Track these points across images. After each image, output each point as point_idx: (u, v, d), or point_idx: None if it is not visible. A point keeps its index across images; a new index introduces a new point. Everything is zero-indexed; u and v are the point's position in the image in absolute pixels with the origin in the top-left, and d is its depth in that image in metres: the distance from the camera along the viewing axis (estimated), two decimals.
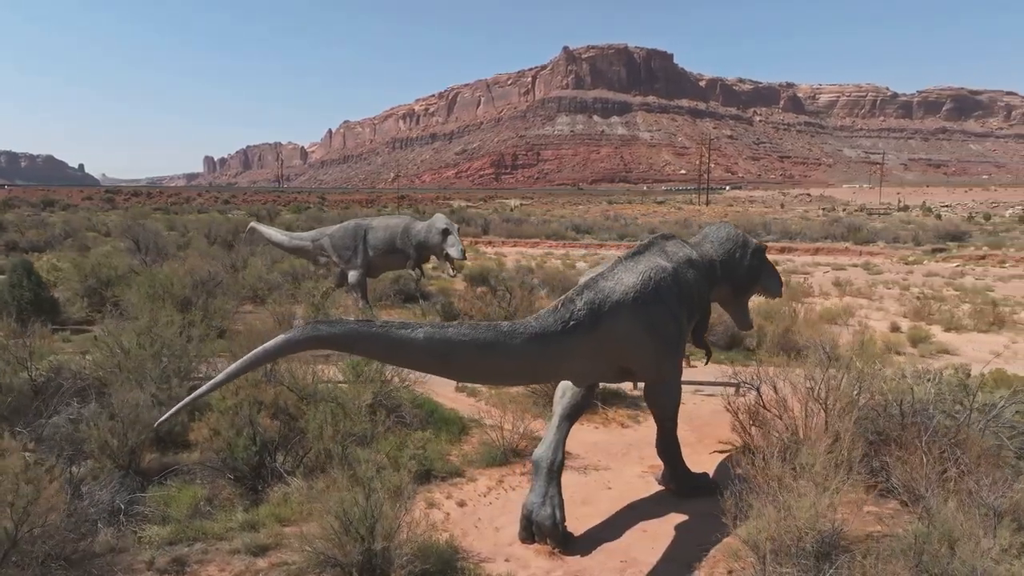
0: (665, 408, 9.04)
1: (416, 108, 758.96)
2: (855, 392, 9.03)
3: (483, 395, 14.11)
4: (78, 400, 10.61)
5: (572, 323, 7.44)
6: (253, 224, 25.85)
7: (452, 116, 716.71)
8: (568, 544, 8.06)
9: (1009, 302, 28.55)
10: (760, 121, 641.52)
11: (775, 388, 10.21)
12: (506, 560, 7.88)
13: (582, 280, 8.92)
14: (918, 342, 20.78)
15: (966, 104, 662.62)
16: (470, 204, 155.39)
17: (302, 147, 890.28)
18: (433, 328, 6.54)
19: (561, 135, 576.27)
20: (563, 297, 7.78)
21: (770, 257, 12.22)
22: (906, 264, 48.48)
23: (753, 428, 10.72)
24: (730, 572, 7.57)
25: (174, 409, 6.18)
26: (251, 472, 9.30)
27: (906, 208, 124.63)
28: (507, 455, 10.61)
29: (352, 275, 20.74)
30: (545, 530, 7.98)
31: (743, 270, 10.45)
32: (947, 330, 23.40)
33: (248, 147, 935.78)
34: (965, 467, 6.95)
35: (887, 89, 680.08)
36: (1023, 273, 42.98)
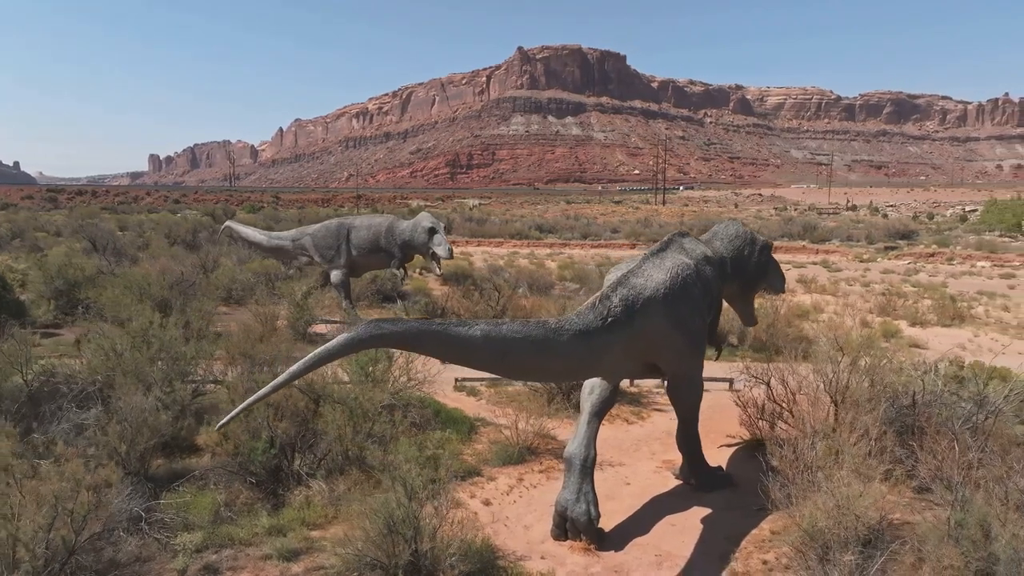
0: (689, 403, 9.17)
1: (370, 107, 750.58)
2: (867, 385, 9.28)
3: (483, 395, 14.05)
4: (76, 406, 10.20)
5: (610, 319, 7.49)
6: (229, 223, 25.22)
7: (406, 115, 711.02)
8: (602, 540, 8.11)
9: (963, 297, 29.80)
10: (711, 123, 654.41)
11: (784, 383, 10.45)
12: (542, 558, 7.87)
13: (609, 277, 8.98)
14: (890, 337, 21.49)
15: (905, 108, 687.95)
16: (428, 204, 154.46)
17: (252, 145, 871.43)
18: (489, 326, 6.50)
19: (516, 135, 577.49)
20: (599, 294, 7.82)
21: None
22: (861, 262, 50.09)
23: (762, 422, 10.96)
24: (765, 562, 7.72)
25: (237, 410, 6.05)
26: (268, 475, 9.09)
27: (854, 208, 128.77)
28: (523, 454, 10.60)
29: (335, 275, 20.40)
30: (580, 526, 8.00)
31: (752, 266, 10.65)
32: (912, 325, 24.25)
33: (196, 145, 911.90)
34: (991, 454, 7.23)
35: (831, 92, 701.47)
36: (970, 269, 44.95)
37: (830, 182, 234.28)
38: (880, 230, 64.37)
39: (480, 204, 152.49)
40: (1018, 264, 46.44)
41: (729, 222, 11.09)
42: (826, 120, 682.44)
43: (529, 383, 13.84)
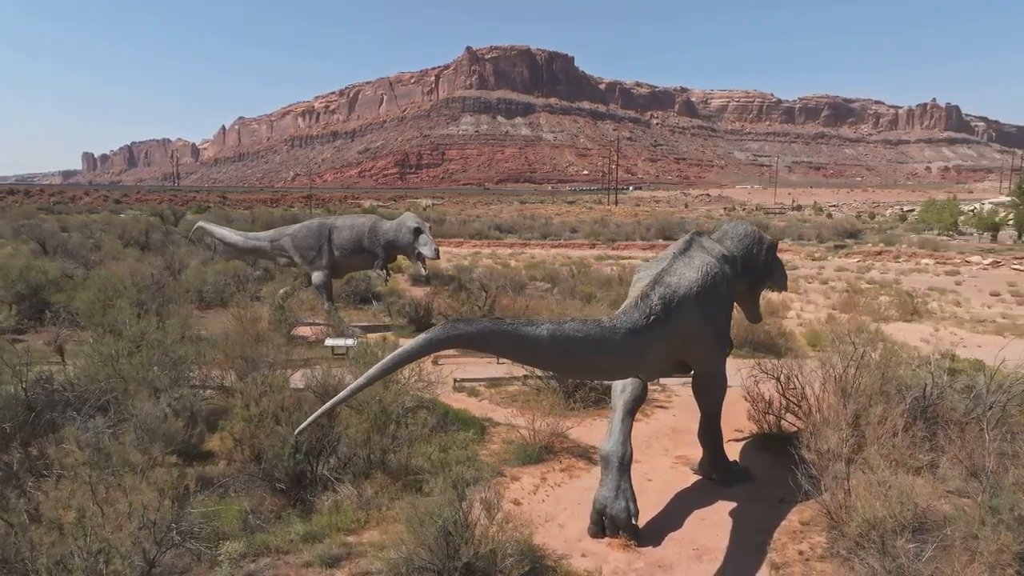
0: (715, 398, 9.34)
1: (316, 105, 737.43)
2: (880, 378, 9.61)
3: (483, 395, 14.02)
4: (77, 413, 9.75)
5: (652, 318, 7.57)
6: (202, 223, 24.50)
7: (354, 114, 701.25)
8: (640, 536, 8.19)
9: (917, 294, 31.11)
10: (657, 124, 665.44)
11: (796, 377, 10.74)
12: (583, 556, 7.91)
13: (639, 276, 9.08)
14: (859, 332, 22.25)
15: (841, 111, 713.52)
16: (380, 204, 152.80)
17: (193, 144, 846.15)
18: (553, 325, 6.49)
19: (466, 135, 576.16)
20: (639, 293, 7.88)
21: None
22: (813, 260, 51.77)
23: (770, 416, 11.23)
24: (800, 552, 7.93)
25: (317, 414, 5.97)
26: (293, 482, 8.87)
27: (799, 208, 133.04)
28: (540, 453, 10.61)
29: (316, 276, 20.00)
30: (620, 523, 8.07)
31: (760, 265, 10.91)
32: (875, 320, 25.14)
33: (133, 143, 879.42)
34: (1016, 442, 7.59)
35: (772, 95, 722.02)
36: (916, 267, 46.97)
37: (775, 183, 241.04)
38: (828, 229, 66.62)
39: (434, 204, 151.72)
40: (959, 261, 48.69)
41: (737, 222, 11.34)
42: (767, 122, 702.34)
43: (523, 385, 13.87)
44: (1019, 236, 62.83)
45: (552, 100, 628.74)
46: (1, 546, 5.33)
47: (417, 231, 19.54)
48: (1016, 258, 49.02)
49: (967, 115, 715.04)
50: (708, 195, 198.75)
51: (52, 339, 15.74)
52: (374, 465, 9.40)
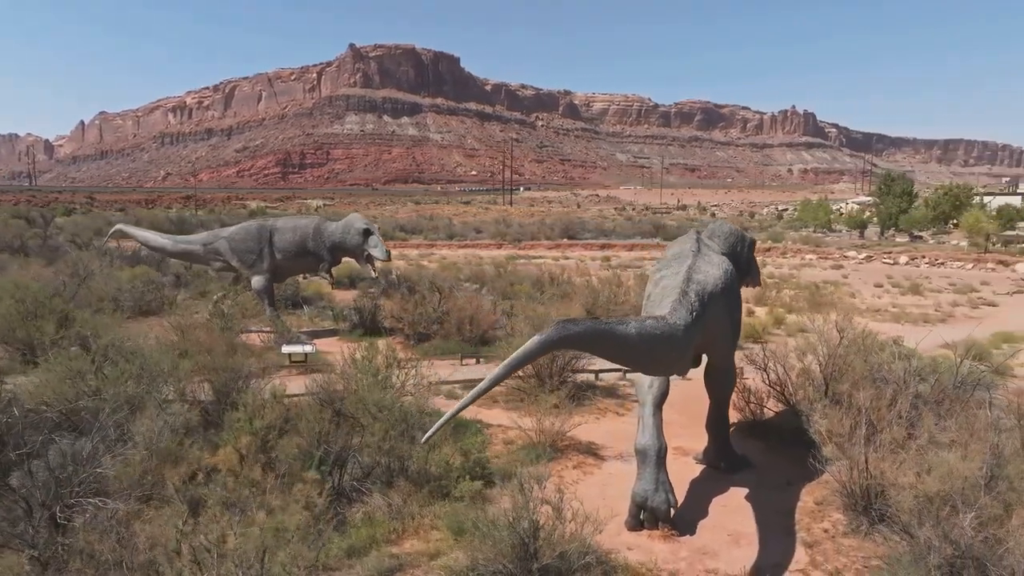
0: (726, 388, 9.78)
1: (188, 101, 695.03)
2: (863, 363, 10.40)
3: (463, 397, 13.87)
4: (53, 434, 8.82)
5: (695, 313, 7.85)
6: (121, 226, 22.66)
7: (230, 111, 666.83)
8: (678, 526, 8.45)
9: (813, 286, 33.63)
10: (542, 126, 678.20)
11: (783, 366, 11.40)
12: (629, 549, 8.07)
13: (660, 275, 9.34)
14: (780, 324, 23.83)
15: (713, 116, 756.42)
16: (268, 205, 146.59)
17: (46, 140, 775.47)
18: (637, 324, 6.57)
19: (351, 134, 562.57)
20: (679, 291, 8.12)
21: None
22: None
23: (754, 404, 11.85)
24: (825, 531, 8.47)
25: (443, 420, 5.82)
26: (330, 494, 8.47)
27: (684, 207, 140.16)
28: (548, 452, 10.67)
29: (257, 280, 18.99)
30: (660, 515, 8.30)
31: (743, 261, 11.50)
32: (789, 312, 26.94)
33: None
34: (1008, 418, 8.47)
35: (650, 100, 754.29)
36: (803, 262, 50.69)
37: (655, 184, 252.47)
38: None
39: (325, 205, 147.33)
40: (838, 256, 53.02)
41: (722, 221, 11.90)
42: (646, 126, 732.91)
43: (503, 384, 13.89)
44: (882, 233, 69.22)
45: (439, 100, 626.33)
46: None
47: (366, 232, 19.01)
48: (885, 253, 54.01)
49: (821, 122, 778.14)
50: (597, 195, 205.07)
51: None
52: (395, 473, 9.14)
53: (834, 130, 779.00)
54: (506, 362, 5.80)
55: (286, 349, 15.83)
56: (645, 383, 9.03)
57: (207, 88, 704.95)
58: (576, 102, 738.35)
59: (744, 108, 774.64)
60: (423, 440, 6.29)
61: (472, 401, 6.00)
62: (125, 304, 21.15)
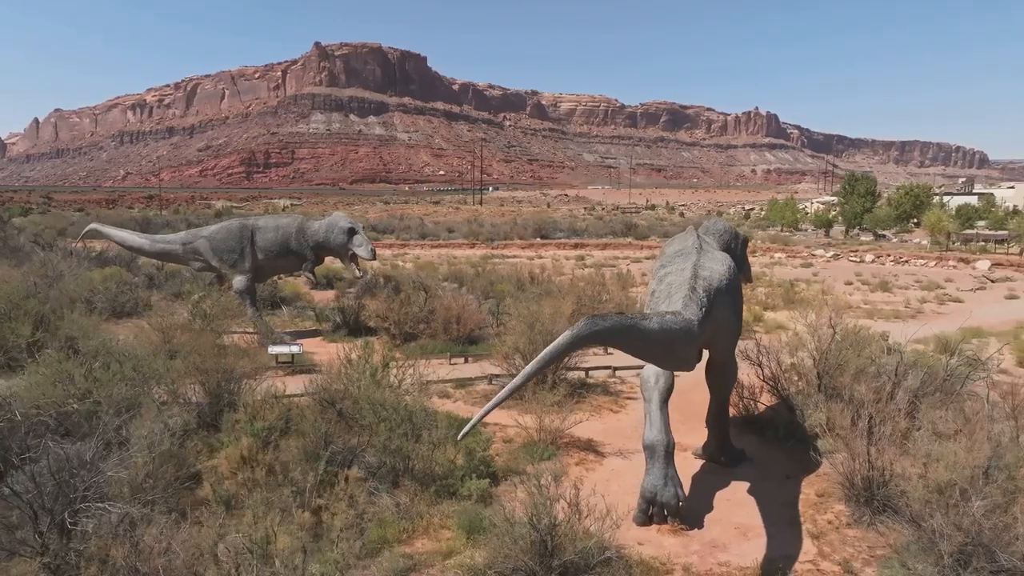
0: (729, 384, 9.89)
1: (148, 99, 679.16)
2: (855, 357, 10.61)
3: (455, 396, 13.83)
4: (44, 438, 8.54)
5: (704, 309, 7.92)
6: (96, 226, 22.05)
7: (192, 109, 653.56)
8: (687, 520, 8.52)
9: (784, 284, 34.24)
10: (510, 126, 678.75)
11: (777, 362, 11.56)
12: (640, 544, 8.11)
13: (665, 271, 9.40)
14: (758, 320, 24.19)
15: (678, 117, 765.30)
16: (234, 205, 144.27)
17: None
18: (659, 319, 6.60)
19: (317, 134, 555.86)
20: (687, 287, 8.18)
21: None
22: None
23: (748, 400, 12.00)
24: (829, 522, 8.62)
25: (478, 417, 5.78)
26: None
27: (653, 207, 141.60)
28: (550, 450, 10.67)
29: (239, 280, 18.63)
30: (670, 509, 8.36)
31: (736, 259, 11.65)
32: (765, 309, 27.38)
33: None
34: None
35: (616, 101, 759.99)
36: (773, 260, 51.56)
37: (623, 184, 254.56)
38: (690, 226, 71.49)
39: (292, 205, 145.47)
40: (807, 255, 54.07)
41: (716, 219, 12.04)
42: (612, 126, 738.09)
43: (493, 383, 13.85)
44: (847, 232, 70.75)
45: (406, 100, 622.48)
46: None
47: (351, 231, 18.79)
48: (851, 251, 55.21)
49: (784, 123, 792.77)
50: (567, 195, 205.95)
51: None
52: (401, 473, 9.05)
53: (796, 131, 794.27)
54: (538, 358, 5.79)
55: (273, 350, 15.59)
56: (651, 379, 9.07)
57: (168, 86, 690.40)
58: (543, 102, 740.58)
59: (709, 109, 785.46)
60: (459, 437, 6.23)
61: (507, 397, 5.99)
62: (99, 306, 20.63)
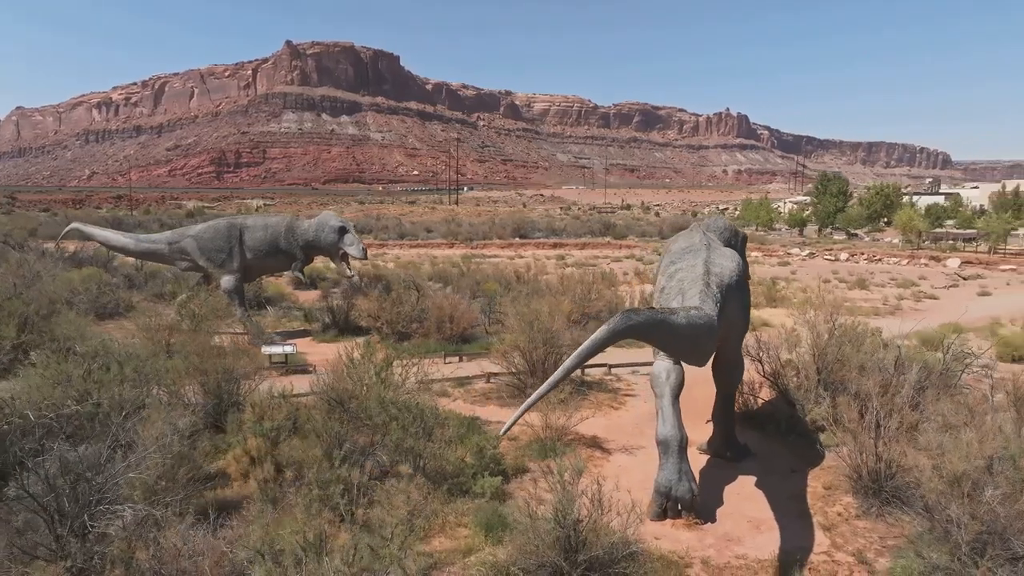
0: (735, 379, 9.99)
1: (115, 97, 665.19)
2: (854, 353, 10.79)
3: (454, 395, 13.79)
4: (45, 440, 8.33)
5: (718, 305, 7.99)
6: (78, 225, 21.54)
7: (160, 108, 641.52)
8: (700, 514, 8.59)
9: (769, 281, 34.71)
10: (484, 126, 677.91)
11: (777, 359, 11.71)
12: (656, 539, 8.15)
13: (675, 267, 9.46)
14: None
15: (650, 118, 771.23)
16: (206, 205, 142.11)
17: None
18: (684, 313, 6.63)
19: (289, 133, 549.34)
20: (702, 283, 8.24)
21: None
22: (659, 254, 55.83)
23: (748, 395, 12.14)
24: (839, 514, 8.75)
25: (520, 411, 5.80)
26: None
27: (628, 207, 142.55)
28: (556, 447, 10.68)
29: (227, 280, 18.35)
30: (685, 504, 8.42)
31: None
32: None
33: None
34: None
35: (590, 101, 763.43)
36: (750, 259, 52.12)
37: (597, 184, 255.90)
38: (668, 226, 72.16)
39: (266, 205, 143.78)
40: (783, 254, 54.88)
41: (717, 216, 12.16)
42: (586, 127, 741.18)
43: (490, 382, 13.85)
44: (820, 230, 71.92)
45: (379, 99, 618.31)
46: None
47: (342, 230, 18.64)
48: (826, 249, 56.18)
49: (754, 124, 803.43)
50: (542, 195, 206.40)
51: None
52: (414, 472, 8.99)
53: (766, 132, 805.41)
54: (577, 352, 5.80)
55: (266, 350, 15.40)
56: (662, 375, 9.11)
57: (135, 84, 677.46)
58: (517, 102, 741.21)
59: (681, 110, 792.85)
60: (501, 433, 6.21)
61: (547, 392, 6.03)
62: (81, 307, 20.18)
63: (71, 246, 33.91)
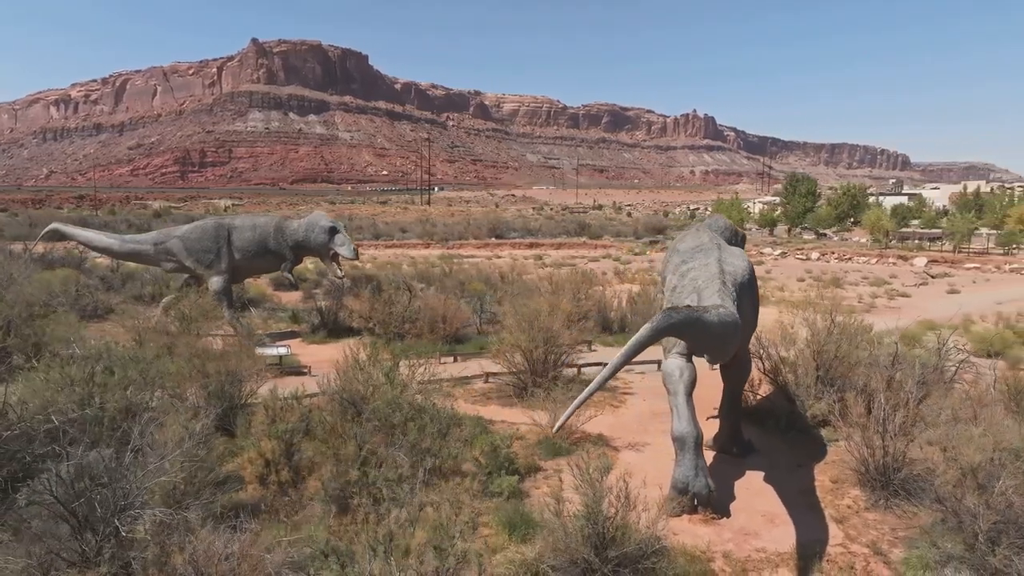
0: (745, 376, 10.16)
1: (74, 94, 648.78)
2: (853, 349, 11.05)
3: (455, 395, 13.74)
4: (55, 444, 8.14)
5: (735, 303, 8.14)
6: (57, 225, 20.97)
7: (122, 106, 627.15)
8: (716, 509, 8.72)
9: None
10: (453, 126, 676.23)
11: (777, 355, 11.92)
12: (675, 534, 8.25)
13: (687, 266, 9.59)
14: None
15: (619, 118, 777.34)
16: (172, 205, 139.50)
17: None
18: (714, 311, 6.73)
19: (255, 132, 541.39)
20: (719, 281, 8.37)
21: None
22: (635, 254, 56.25)
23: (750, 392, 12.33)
24: (849, 507, 8.96)
25: (572, 408, 5.86)
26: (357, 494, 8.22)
27: (600, 207, 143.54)
28: (564, 446, 10.74)
29: (215, 281, 18.05)
30: (702, 499, 8.54)
31: None
32: None
33: None
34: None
35: (559, 102, 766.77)
36: None
37: (566, 185, 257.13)
38: (642, 226, 72.86)
39: (234, 205, 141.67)
40: (755, 253, 55.73)
41: (717, 216, 12.35)
42: (555, 127, 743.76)
43: (489, 381, 13.87)
44: (790, 230, 73.27)
45: (347, 98, 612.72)
46: None
47: (332, 230, 18.48)
48: (798, 249, 57.21)
49: (720, 125, 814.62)
50: (514, 195, 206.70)
51: None
52: (430, 472, 8.97)
53: (732, 133, 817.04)
54: (623, 350, 5.88)
55: (259, 352, 15.18)
56: (675, 373, 9.21)
57: (95, 81, 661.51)
58: (487, 103, 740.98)
59: (649, 111, 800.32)
60: (555, 429, 6.25)
61: (599, 388, 6.15)
62: (60, 310, 19.68)
63: (40, 247, 33.06)
